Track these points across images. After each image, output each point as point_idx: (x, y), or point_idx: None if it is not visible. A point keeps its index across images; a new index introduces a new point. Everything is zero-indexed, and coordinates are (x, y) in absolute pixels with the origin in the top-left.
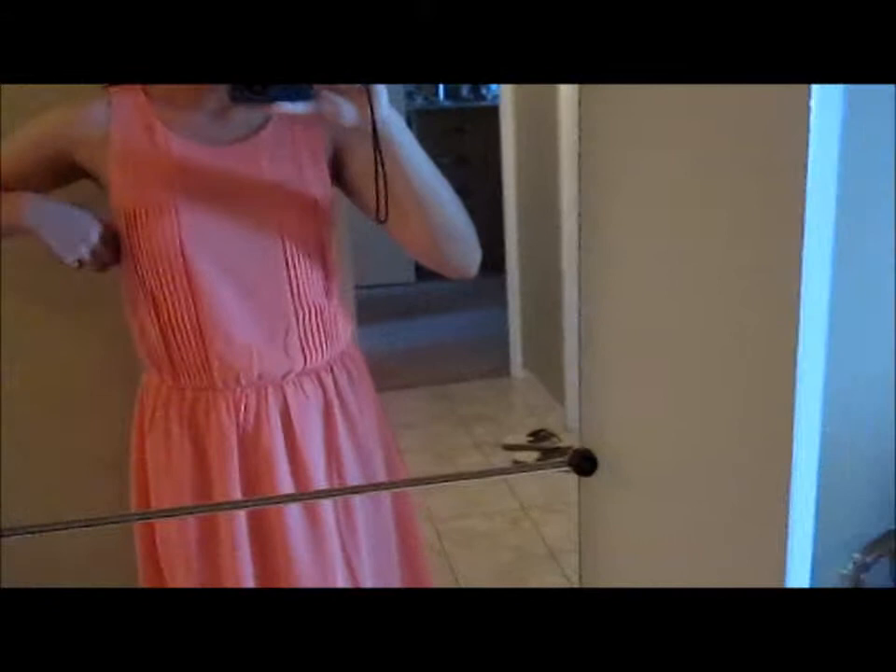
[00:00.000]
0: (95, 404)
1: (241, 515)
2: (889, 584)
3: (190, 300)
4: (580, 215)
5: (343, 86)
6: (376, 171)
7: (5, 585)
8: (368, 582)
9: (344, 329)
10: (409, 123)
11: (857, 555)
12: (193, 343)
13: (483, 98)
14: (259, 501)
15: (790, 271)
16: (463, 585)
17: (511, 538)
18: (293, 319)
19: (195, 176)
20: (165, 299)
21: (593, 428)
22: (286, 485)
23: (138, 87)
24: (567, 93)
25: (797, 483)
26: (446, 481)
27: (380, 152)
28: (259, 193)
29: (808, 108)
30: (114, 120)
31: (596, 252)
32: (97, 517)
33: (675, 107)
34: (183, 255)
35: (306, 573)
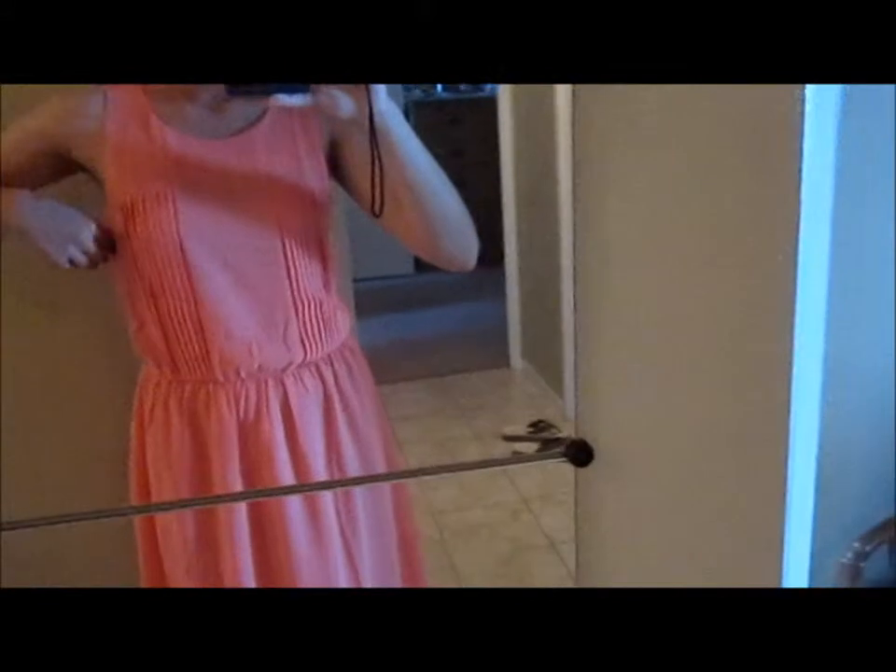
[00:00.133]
0: (94, 400)
1: (241, 508)
2: (888, 573)
3: (189, 293)
4: (574, 209)
5: None
6: (373, 164)
7: (5, 585)
8: (367, 575)
9: (344, 321)
10: (406, 115)
11: (856, 544)
12: (193, 336)
13: (481, 89)
14: (260, 493)
15: (786, 261)
16: (463, 576)
17: (511, 529)
18: (292, 312)
19: (192, 169)
20: (164, 292)
21: (589, 419)
22: (286, 477)
23: None
24: (564, 85)
25: (795, 471)
26: (445, 471)
27: (377, 146)
28: (257, 186)
29: (803, 108)
30: (109, 113)
31: (592, 245)
32: (97, 510)
33: (669, 106)
34: (181, 248)
35: (306, 565)
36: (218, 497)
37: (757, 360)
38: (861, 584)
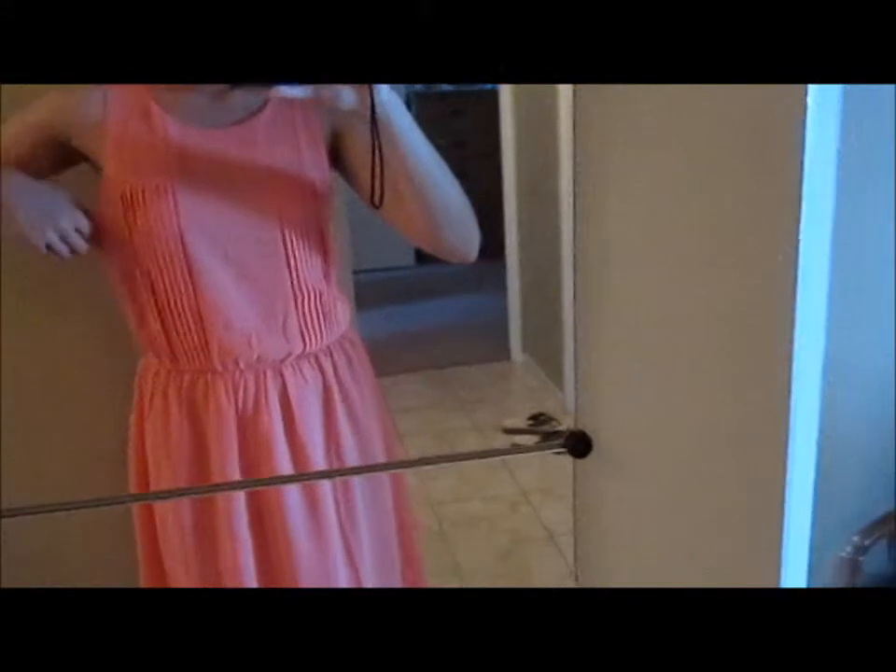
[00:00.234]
0: (94, 396)
1: (240, 498)
2: (888, 567)
3: (189, 283)
4: (575, 207)
5: None
6: (373, 156)
7: (4, 580)
8: (366, 567)
9: (344, 313)
10: (408, 106)
11: (855, 538)
12: (192, 327)
13: None
14: (258, 482)
15: (786, 258)
16: (461, 568)
17: (511, 521)
18: (292, 303)
19: (192, 160)
20: (164, 282)
21: (588, 411)
22: (284, 468)
23: None
24: None
25: (794, 466)
26: (444, 462)
27: (378, 137)
28: (257, 176)
29: (805, 108)
30: (110, 104)
31: (592, 241)
32: (96, 499)
33: (670, 106)
34: (181, 239)
35: (305, 557)
36: (217, 485)
37: (757, 356)
38: (860, 579)
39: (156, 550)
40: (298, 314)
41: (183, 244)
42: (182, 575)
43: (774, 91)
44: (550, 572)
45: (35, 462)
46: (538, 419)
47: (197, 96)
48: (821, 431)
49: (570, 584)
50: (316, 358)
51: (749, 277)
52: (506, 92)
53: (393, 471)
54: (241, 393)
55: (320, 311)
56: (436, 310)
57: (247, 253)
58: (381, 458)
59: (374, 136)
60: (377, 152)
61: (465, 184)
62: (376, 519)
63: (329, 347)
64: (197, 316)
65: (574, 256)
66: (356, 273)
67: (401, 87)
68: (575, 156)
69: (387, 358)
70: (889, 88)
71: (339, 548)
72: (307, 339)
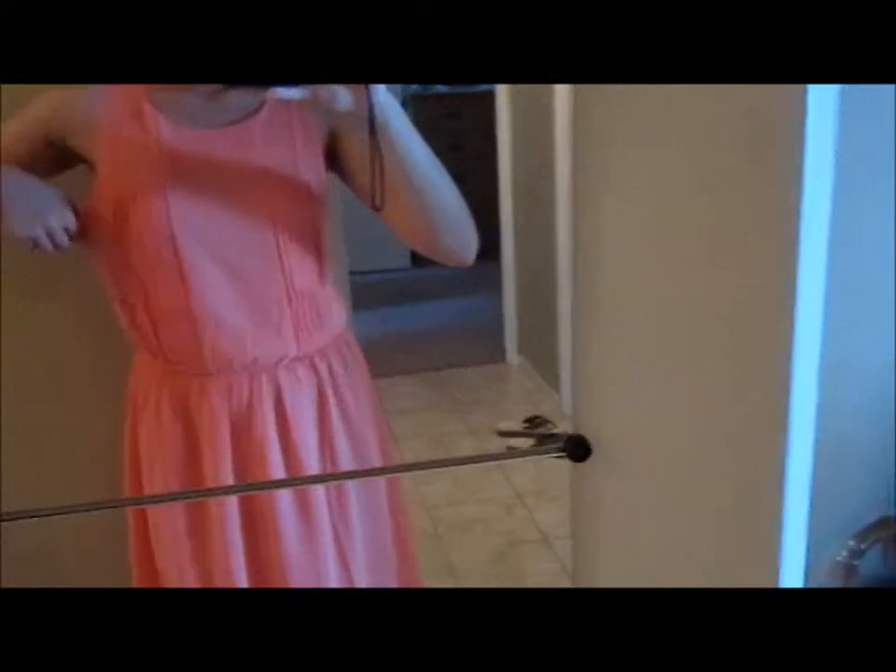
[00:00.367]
0: (88, 392)
1: (232, 501)
2: (883, 571)
3: (180, 284)
4: (574, 208)
5: None
6: (372, 158)
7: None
8: (360, 570)
9: (339, 314)
10: (404, 108)
11: (851, 542)
12: (184, 329)
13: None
14: (251, 486)
15: (786, 259)
16: (457, 571)
17: (506, 524)
18: (286, 305)
19: (185, 162)
20: (156, 284)
21: (586, 415)
22: (278, 472)
23: None
24: None
25: (792, 470)
26: (440, 466)
27: (376, 139)
28: (251, 177)
29: (805, 108)
30: (105, 104)
31: (591, 242)
32: (89, 503)
33: (669, 106)
34: (173, 240)
35: (296, 559)
36: (209, 489)
37: (756, 357)
38: (855, 582)
39: (148, 549)
40: (292, 315)
41: (174, 244)
42: (173, 575)
43: (773, 90)
44: (545, 575)
45: (31, 463)
46: (533, 422)
47: (191, 96)
48: (818, 435)
49: (566, 586)
50: (311, 361)
51: (747, 278)
52: (502, 94)
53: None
54: (234, 395)
55: (315, 312)
56: (431, 312)
57: (240, 254)
58: (376, 462)
59: (373, 138)
60: (376, 154)
61: (461, 186)
62: (371, 522)
63: (324, 349)
64: (189, 318)
65: (572, 257)
66: (351, 274)
67: (398, 89)
68: (574, 156)
69: (383, 360)
70: (887, 88)
71: (331, 550)
72: (301, 341)
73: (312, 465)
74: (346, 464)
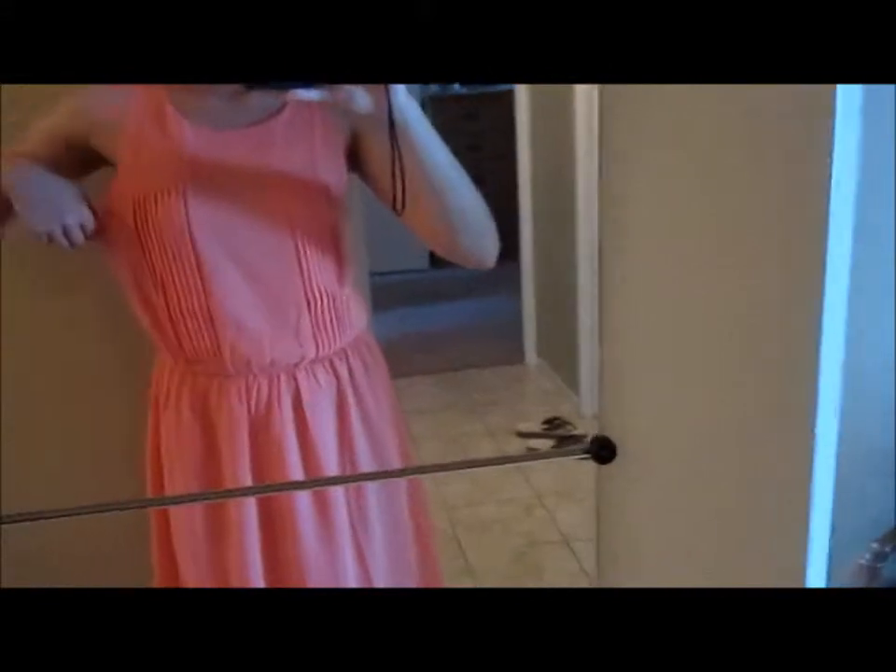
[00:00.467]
0: (108, 391)
1: (250, 502)
2: None
3: (200, 286)
4: (600, 209)
5: None
6: (392, 160)
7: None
8: (380, 572)
9: (358, 316)
10: (423, 109)
11: (874, 545)
12: (203, 330)
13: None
14: (269, 488)
15: (813, 259)
16: (476, 572)
17: (525, 525)
18: (304, 307)
19: (206, 163)
20: (175, 285)
21: (611, 416)
22: (296, 472)
23: None
24: None
25: (818, 472)
26: (464, 467)
27: (396, 141)
28: (271, 178)
29: (833, 107)
30: (128, 104)
31: (616, 240)
32: (100, 504)
33: (696, 104)
34: (192, 241)
35: (314, 560)
36: (228, 491)
37: (783, 359)
38: (878, 585)
39: (170, 550)
40: (310, 317)
41: (193, 246)
42: (192, 572)
43: (802, 91)
44: (564, 576)
45: (48, 450)
46: (552, 423)
47: (213, 98)
48: (840, 438)
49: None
50: (331, 362)
51: (775, 281)
52: (521, 94)
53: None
54: (253, 396)
55: (333, 314)
56: (450, 312)
57: (259, 256)
58: (395, 463)
59: (393, 140)
60: (397, 156)
61: (480, 187)
62: (391, 523)
63: (344, 351)
64: (208, 319)
65: (598, 254)
66: (370, 275)
67: (416, 90)
68: (600, 155)
69: (401, 361)
70: None
71: (349, 551)
72: (320, 342)
73: (330, 466)
74: (365, 465)
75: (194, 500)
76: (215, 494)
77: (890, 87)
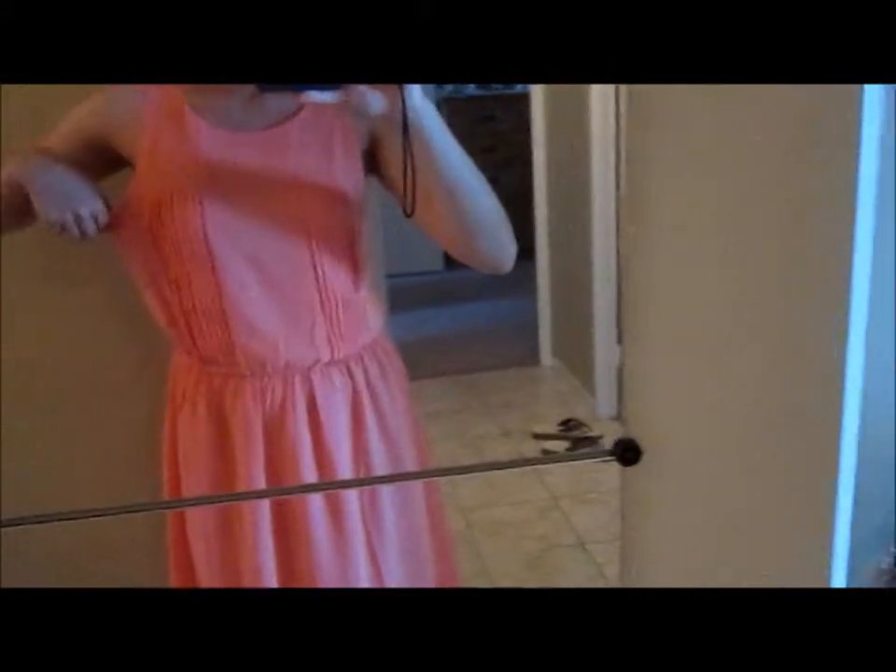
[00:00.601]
0: (132, 390)
1: (264, 503)
2: None
3: (214, 287)
4: (623, 210)
5: None
6: (405, 163)
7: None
8: (392, 576)
9: (374, 319)
10: (438, 111)
11: (894, 548)
12: (218, 331)
13: (513, 85)
14: (283, 490)
15: (839, 261)
16: (491, 574)
17: (540, 527)
18: (319, 310)
19: (222, 166)
20: (190, 285)
21: (635, 418)
22: (310, 474)
23: None
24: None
25: (843, 476)
26: (485, 470)
27: (409, 144)
28: (286, 181)
29: (860, 107)
30: (147, 104)
31: (640, 242)
32: (112, 507)
33: (721, 105)
34: (206, 242)
35: (327, 564)
36: (240, 494)
37: (807, 359)
38: None
39: (186, 548)
40: (325, 320)
41: (208, 246)
42: (205, 574)
43: (828, 91)
44: (580, 578)
45: (67, 449)
46: (567, 424)
47: (230, 99)
48: (861, 439)
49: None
50: (346, 365)
51: (800, 283)
52: (537, 96)
53: (426, 481)
54: (268, 397)
55: (349, 318)
56: (465, 314)
57: (273, 258)
58: (411, 466)
59: (405, 143)
60: (409, 158)
61: (495, 188)
62: (405, 527)
63: (360, 354)
64: (222, 320)
65: (621, 256)
66: (385, 277)
67: (432, 92)
68: (627, 154)
69: (416, 363)
70: None
71: (362, 555)
72: (335, 345)
73: (344, 468)
74: (380, 468)
75: (204, 504)
76: (227, 497)
77: None
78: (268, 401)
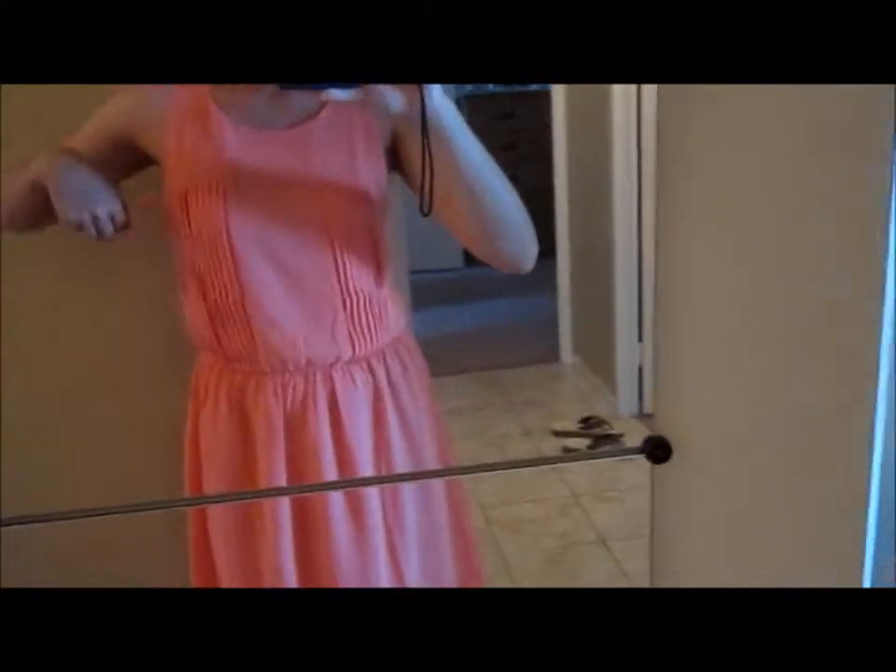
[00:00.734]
0: (154, 386)
1: (284, 501)
2: None
3: (236, 284)
4: (657, 208)
5: None
6: (423, 161)
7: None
8: (413, 575)
9: (396, 316)
10: (458, 109)
11: None
12: (240, 328)
13: None
14: (304, 488)
15: (873, 258)
16: (512, 572)
17: (561, 524)
18: (340, 307)
19: (246, 162)
20: (212, 282)
21: (666, 415)
22: (331, 472)
23: None
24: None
25: (875, 473)
26: (509, 468)
27: (428, 142)
28: (309, 179)
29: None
30: (172, 102)
31: (674, 237)
32: (132, 504)
33: (755, 105)
34: (229, 238)
35: (348, 563)
36: (261, 491)
37: (842, 357)
38: None
39: (207, 545)
40: (347, 318)
41: (230, 243)
42: (226, 572)
43: (863, 91)
44: (602, 575)
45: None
46: (588, 422)
47: (256, 96)
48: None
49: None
50: (368, 362)
51: (834, 280)
52: (558, 93)
53: (448, 479)
54: (290, 394)
55: (370, 315)
56: (485, 311)
57: (295, 256)
58: (432, 465)
59: (424, 141)
60: (426, 158)
61: (516, 185)
62: (427, 525)
63: (382, 352)
64: (244, 317)
65: (655, 253)
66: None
67: (452, 90)
68: (658, 153)
69: (435, 360)
70: None
71: (382, 553)
72: (357, 343)
73: (366, 466)
74: (402, 466)
75: (224, 501)
76: (249, 494)
77: None
78: (289, 399)
